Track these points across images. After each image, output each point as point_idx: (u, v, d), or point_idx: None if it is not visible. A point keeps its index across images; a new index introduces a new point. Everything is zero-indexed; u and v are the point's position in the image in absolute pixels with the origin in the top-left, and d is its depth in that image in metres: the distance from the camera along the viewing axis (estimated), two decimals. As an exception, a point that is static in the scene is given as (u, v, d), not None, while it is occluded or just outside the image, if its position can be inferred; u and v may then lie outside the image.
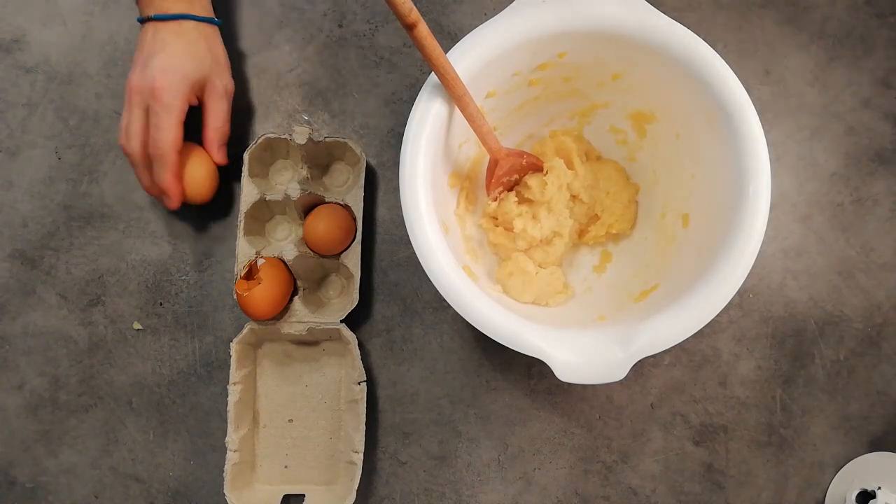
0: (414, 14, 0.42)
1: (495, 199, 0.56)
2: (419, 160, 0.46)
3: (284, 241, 0.60)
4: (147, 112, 0.53)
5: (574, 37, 0.49)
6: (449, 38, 0.62)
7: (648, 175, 0.58)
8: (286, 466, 0.58)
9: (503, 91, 0.52)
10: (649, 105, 0.54)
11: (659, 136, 0.55)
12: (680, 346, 0.58)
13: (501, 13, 0.48)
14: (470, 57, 0.47)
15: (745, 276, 0.44)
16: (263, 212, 0.59)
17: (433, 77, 0.47)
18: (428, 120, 0.47)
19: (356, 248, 0.57)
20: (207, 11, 0.57)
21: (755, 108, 0.60)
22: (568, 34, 0.48)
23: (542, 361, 0.44)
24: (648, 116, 0.55)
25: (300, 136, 0.56)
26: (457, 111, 0.49)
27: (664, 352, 0.58)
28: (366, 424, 0.55)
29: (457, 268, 0.46)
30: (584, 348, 0.45)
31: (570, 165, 0.57)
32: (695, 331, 0.44)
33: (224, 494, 0.54)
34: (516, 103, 0.55)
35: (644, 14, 0.47)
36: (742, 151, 0.46)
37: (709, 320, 0.44)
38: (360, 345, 0.56)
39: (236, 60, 0.62)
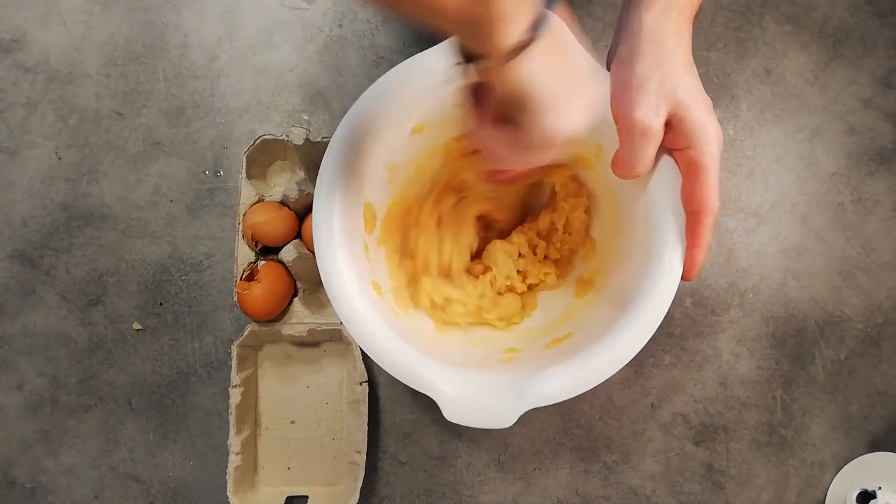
0: None
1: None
2: (337, 179, 0.46)
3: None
4: None
5: None
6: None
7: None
8: (289, 468, 0.58)
9: (432, 123, 0.50)
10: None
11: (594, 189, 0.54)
12: (680, 346, 0.59)
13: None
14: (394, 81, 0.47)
15: (649, 337, 0.43)
16: (263, 212, 0.59)
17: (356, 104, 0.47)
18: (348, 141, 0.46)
19: (356, 248, 0.57)
20: None
21: (755, 108, 0.61)
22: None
23: None
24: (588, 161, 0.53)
25: (297, 136, 0.56)
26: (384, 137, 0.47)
27: (664, 352, 0.59)
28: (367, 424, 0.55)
29: (361, 294, 0.45)
30: (477, 391, 0.44)
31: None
32: (590, 387, 0.43)
33: (226, 496, 0.54)
34: (452, 134, 0.52)
35: None
36: (661, 220, 0.45)
37: (606, 378, 0.43)
38: (361, 345, 0.56)
39: (236, 60, 0.62)
